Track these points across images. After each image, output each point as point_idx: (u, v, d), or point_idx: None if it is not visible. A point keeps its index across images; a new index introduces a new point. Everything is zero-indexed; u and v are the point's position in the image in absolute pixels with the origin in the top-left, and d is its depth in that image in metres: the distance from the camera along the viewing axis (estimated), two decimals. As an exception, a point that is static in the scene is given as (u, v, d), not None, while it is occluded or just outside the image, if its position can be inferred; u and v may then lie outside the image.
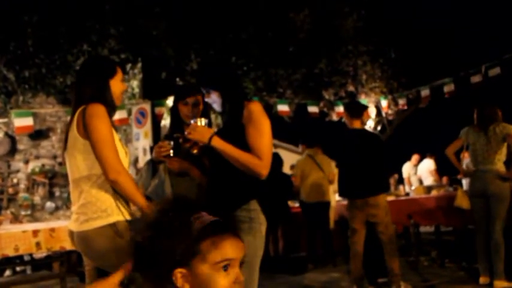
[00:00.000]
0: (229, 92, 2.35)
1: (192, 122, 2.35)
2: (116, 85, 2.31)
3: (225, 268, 1.08)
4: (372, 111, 11.06)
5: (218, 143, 2.24)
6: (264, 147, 2.23)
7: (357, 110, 4.67)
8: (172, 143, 2.61)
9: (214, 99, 2.38)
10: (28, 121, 6.65)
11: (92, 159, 2.16)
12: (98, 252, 2.13)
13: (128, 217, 2.20)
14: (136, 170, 8.48)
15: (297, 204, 7.39)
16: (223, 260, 1.07)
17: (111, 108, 2.29)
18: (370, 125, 11.57)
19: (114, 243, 2.10)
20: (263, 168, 2.22)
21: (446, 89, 8.08)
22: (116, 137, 2.25)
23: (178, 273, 1.07)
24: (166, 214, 1.11)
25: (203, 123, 2.32)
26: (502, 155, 4.55)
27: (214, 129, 2.51)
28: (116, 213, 2.16)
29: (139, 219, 1.81)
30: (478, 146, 4.61)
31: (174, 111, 2.81)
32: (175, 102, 2.80)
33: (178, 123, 2.75)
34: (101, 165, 2.13)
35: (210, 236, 1.07)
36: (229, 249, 1.09)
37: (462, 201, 4.95)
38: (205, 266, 1.06)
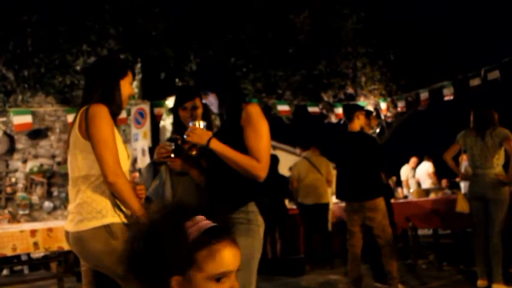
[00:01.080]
0: (226, 93, 2.34)
1: (190, 124, 2.35)
2: (125, 86, 2.31)
3: (219, 280, 1.06)
4: (371, 113, 11.03)
5: (216, 145, 2.24)
6: (262, 149, 2.22)
7: (348, 113, 4.67)
8: (173, 144, 2.62)
9: (211, 101, 2.37)
10: (27, 119, 6.64)
11: (92, 160, 2.16)
12: (92, 253, 2.12)
13: (124, 220, 2.19)
14: (133, 170, 8.45)
15: (294, 206, 7.38)
16: (219, 273, 1.06)
17: (118, 109, 2.29)
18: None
19: (108, 245, 2.09)
20: (261, 170, 2.21)
21: (445, 92, 8.08)
22: (119, 138, 2.24)
23: (174, 281, 1.06)
24: (160, 221, 1.09)
25: (202, 126, 2.32)
26: (500, 159, 4.55)
27: (214, 130, 2.51)
28: (110, 215, 2.15)
29: (135, 225, 1.81)
30: (476, 151, 4.60)
31: (175, 115, 2.82)
32: (175, 106, 2.81)
33: (180, 126, 2.76)
34: (101, 166, 2.12)
35: (206, 246, 1.05)
36: (226, 260, 1.07)
37: (463, 206, 4.92)
38: (201, 275, 1.05)
